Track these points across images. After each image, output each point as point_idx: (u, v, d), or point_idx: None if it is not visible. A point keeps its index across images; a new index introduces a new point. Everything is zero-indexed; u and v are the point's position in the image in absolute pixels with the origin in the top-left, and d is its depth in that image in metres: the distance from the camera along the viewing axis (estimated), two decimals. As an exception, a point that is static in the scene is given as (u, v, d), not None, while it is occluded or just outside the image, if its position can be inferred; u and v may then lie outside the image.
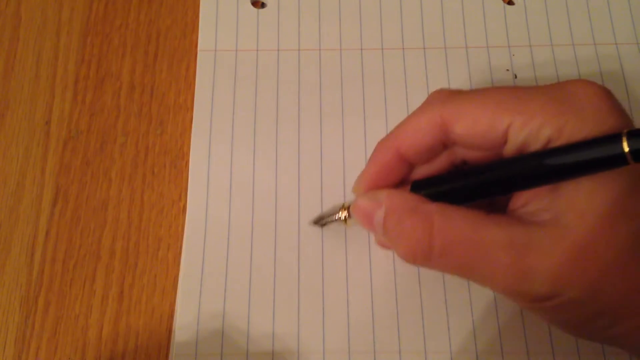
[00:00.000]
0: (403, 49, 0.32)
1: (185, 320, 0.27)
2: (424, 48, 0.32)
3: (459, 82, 0.31)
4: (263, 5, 0.33)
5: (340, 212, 0.26)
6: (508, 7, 0.33)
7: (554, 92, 0.21)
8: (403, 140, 0.23)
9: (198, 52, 0.32)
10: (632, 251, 0.20)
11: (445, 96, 0.23)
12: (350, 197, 0.28)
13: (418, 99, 0.31)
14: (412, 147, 0.23)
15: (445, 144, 0.23)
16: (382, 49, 0.32)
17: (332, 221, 0.26)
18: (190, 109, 0.31)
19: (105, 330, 0.27)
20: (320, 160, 0.30)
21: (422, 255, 0.21)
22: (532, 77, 0.32)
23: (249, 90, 0.31)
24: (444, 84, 0.31)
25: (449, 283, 0.28)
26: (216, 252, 0.28)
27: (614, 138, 0.19)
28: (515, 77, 0.32)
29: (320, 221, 0.27)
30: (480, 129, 0.21)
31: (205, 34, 0.32)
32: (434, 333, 0.27)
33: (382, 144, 0.24)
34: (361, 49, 0.32)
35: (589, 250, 0.20)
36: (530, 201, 0.21)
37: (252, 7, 0.33)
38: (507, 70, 0.32)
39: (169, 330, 0.27)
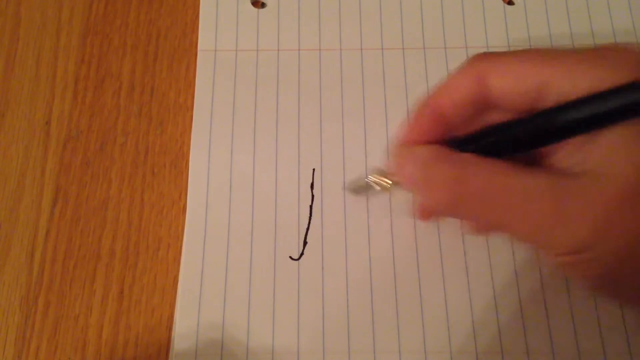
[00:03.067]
0: (403, 49, 0.32)
1: (185, 328, 0.27)
2: (424, 48, 0.32)
3: (459, 82, 0.31)
4: (263, 5, 0.33)
5: (377, 178, 0.27)
6: (508, 7, 0.33)
7: (592, 51, 0.21)
8: (442, 97, 0.23)
9: (198, 52, 0.32)
10: None
11: (484, 55, 0.23)
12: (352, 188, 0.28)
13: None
14: (451, 102, 0.23)
15: (483, 101, 0.23)
16: (382, 49, 0.32)
17: (372, 182, 0.27)
18: (190, 109, 0.31)
19: (105, 330, 0.27)
20: (320, 161, 0.30)
21: (458, 200, 0.21)
22: (532, 77, 0.32)
23: (249, 90, 0.31)
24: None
25: (448, 283, 0.28)
26: (216, 253, 0.28)
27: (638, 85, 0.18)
28: (515, 77, 0.32)
29: (358, 188, 0.29)
30: (515, 82, 0.21)
31: (205, 34, 0.32)
32: (434, 333, 0.27)
33: (422, 102, 0.24)
34: (361, 49, 0.32)
35: (630, 202, 0.19)
36: (564, 157, 0.21)
37: (252, 7, 0.33)
38: (507, 70, 0.32)
39: (169, 330, 0.27)
